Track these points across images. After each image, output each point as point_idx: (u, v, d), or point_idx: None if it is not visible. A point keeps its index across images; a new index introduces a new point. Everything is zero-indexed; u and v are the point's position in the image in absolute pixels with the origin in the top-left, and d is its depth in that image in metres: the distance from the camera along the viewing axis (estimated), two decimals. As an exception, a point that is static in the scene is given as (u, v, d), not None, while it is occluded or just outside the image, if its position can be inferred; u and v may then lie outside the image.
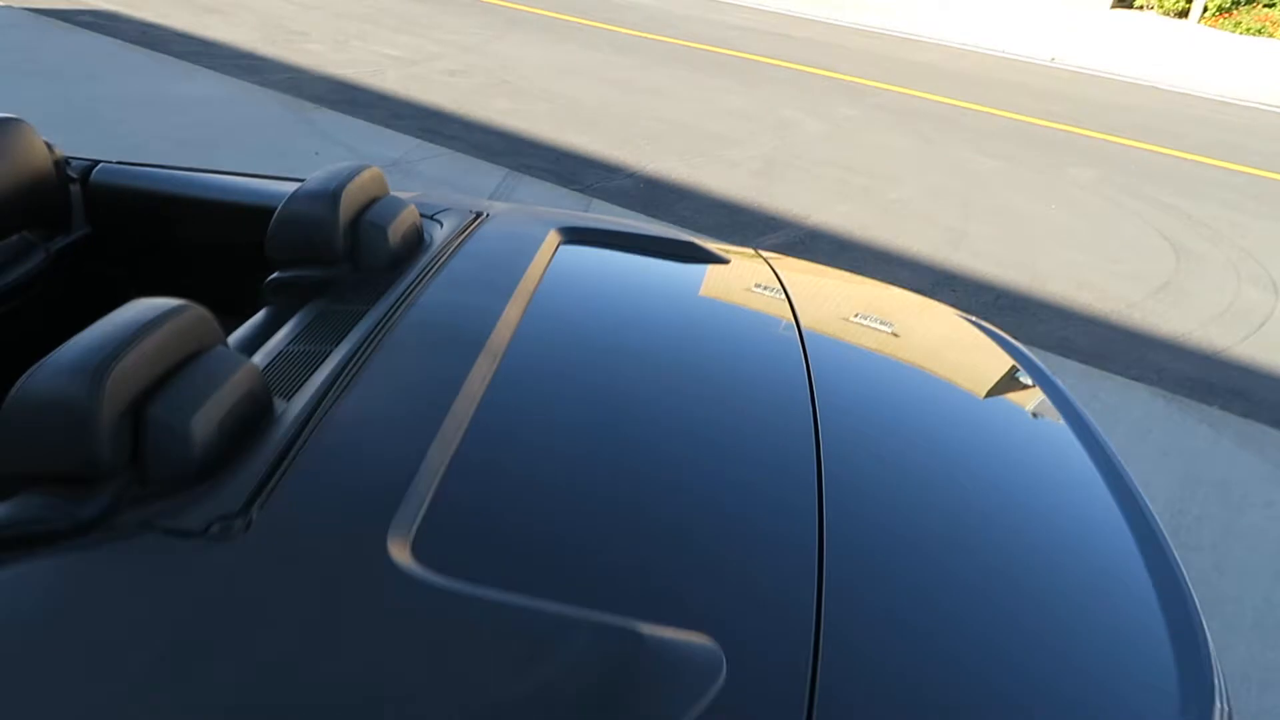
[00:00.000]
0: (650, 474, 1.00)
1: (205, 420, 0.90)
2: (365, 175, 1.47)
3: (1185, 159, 7.25)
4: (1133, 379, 3.62)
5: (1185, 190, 6.33)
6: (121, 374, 0.87)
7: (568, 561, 0.86)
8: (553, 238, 1.53)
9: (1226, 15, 16.83)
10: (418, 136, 5.48)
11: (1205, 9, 17.09)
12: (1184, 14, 17.59)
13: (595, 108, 6.71)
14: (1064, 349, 3.83)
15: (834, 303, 1.51)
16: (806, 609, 0.84)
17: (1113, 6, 18.41)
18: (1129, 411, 3.37)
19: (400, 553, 0.82)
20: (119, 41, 6.81)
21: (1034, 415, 1.29)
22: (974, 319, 1.59)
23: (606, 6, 11.13)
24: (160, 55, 6.60)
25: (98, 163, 1.90)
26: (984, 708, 0.80)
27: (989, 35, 12.52)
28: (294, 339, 1.18)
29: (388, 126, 5.63)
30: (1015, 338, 3.88)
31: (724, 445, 1.07)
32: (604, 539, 0.90)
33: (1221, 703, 0.87)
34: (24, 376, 0.87)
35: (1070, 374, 3.60)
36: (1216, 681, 0.89)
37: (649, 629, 0.77)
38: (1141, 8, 18.70)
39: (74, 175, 1.85)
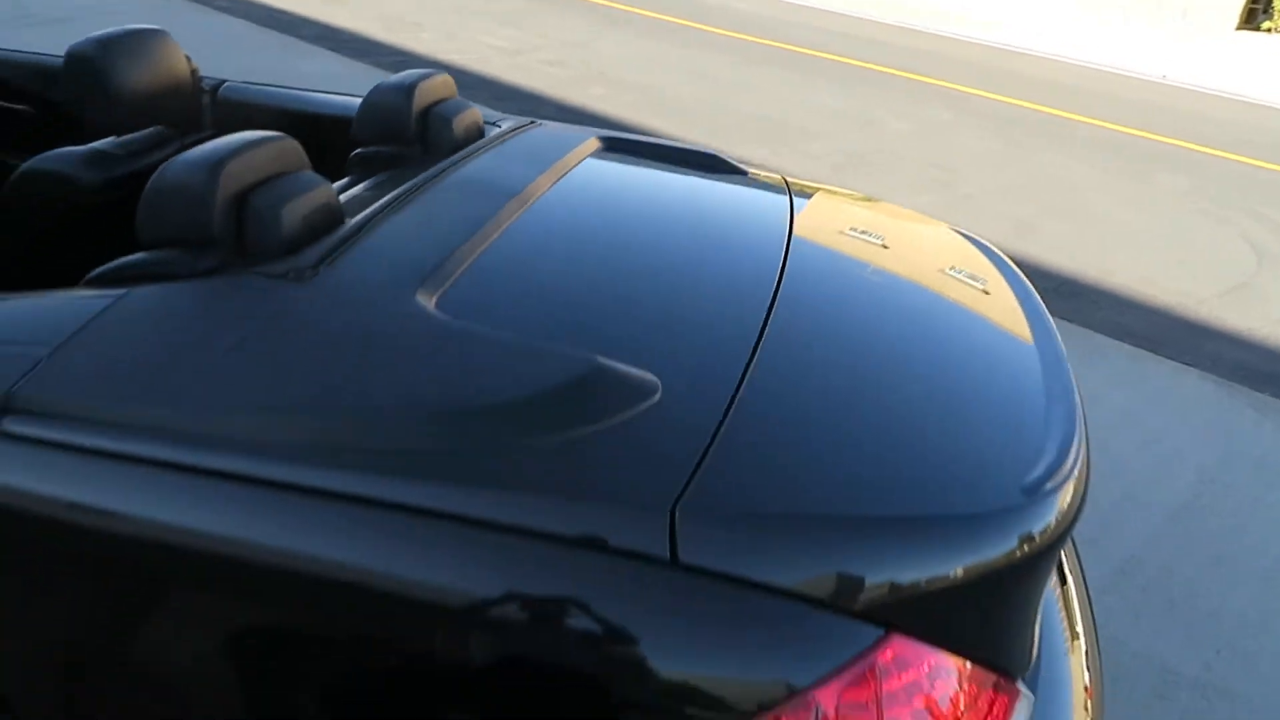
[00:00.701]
0: (632, 279, 1.24)
1: (291, 213, 1.17)
2: (438, 78, 1.75)
3: (1288, 174, 7.05)
4: (1186, 365, 3.66)
5: (1281, 202, 6.18)
6: (231, 170, 1.15)
7: (557, 321, 1.10)
8: (593, 141, 1.78)
9: (1363, 40, 15.99)
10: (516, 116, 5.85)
11: (1340, 33, 16.30)
12: (1316, 38, 16.81)
13: (685, 99, 6.96)
14: (1120, 333, 3.88)
15: (835, 208, 1.71)
16: (734, 372, 1.06)
17: (1237, 29, 17.72)
18: (1176, 392, 3.42)
19: (427, 301, 1.07)
20: (249, 23, 7.42)
21: (986, 294, 1.46)
22: (968, 233, 1.76)
23: (703, 9, 11.38)
24: (285, 36, 7.17)
25: (224, 81, 2.25)
26: (869, 440, 1.00)
27: (1099, 51, 12.28)
28: (366, 189, 1.46)
29: (490, 107, 6.00)
30: (1072, 321, 3.95)
31: (698, 269, 1.29)
32: (585, 313, 1.14)
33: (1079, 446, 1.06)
34: (160, 168, 1.16)
35: (1121, 356, 3.66)
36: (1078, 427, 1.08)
37: (605, 362, 1.00)
38: (1269, 30, 17.95)
39: (206, 89, 2.19)
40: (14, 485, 0.90)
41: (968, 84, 9.05)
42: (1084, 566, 2.39)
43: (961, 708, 0.95)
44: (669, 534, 0.86)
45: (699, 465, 0.91)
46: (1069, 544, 1.55)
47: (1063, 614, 1.33)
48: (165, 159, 1.99)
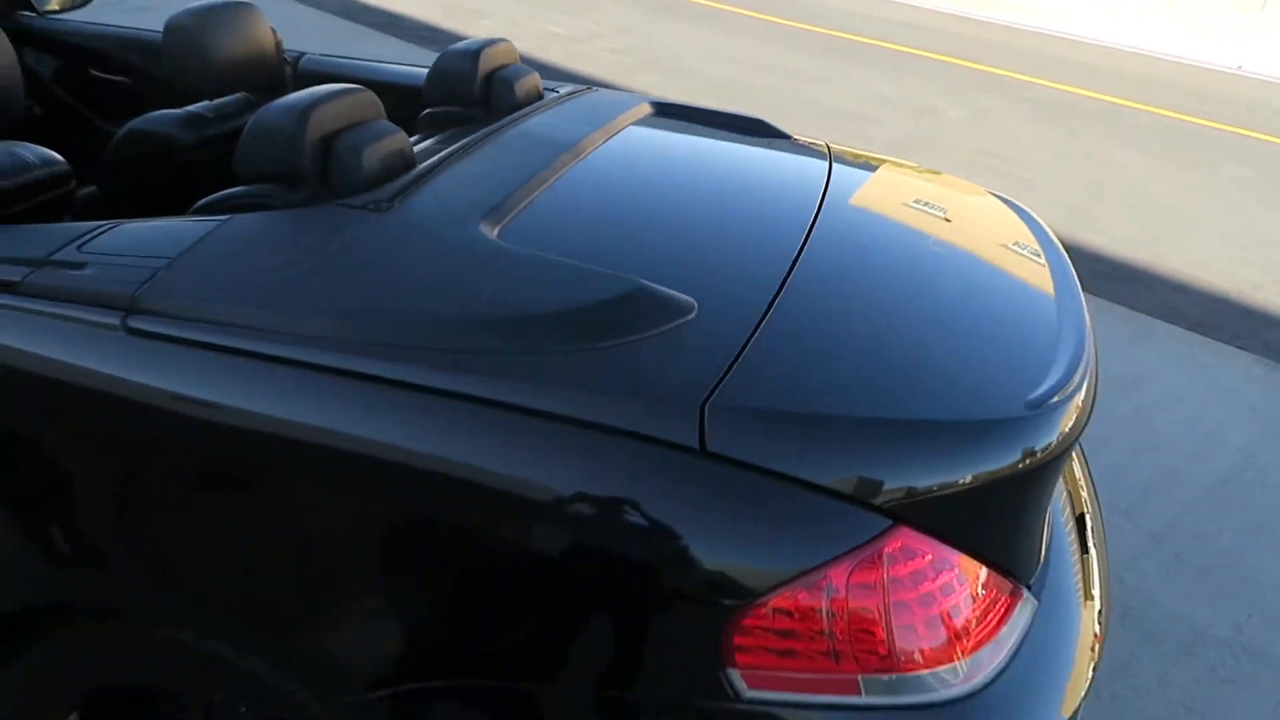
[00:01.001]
0: (676, 219, 1.35)
1: (370, 155, 1.31)
2: (501, 45, 1.87)
3: (1361, 165, 6.86)
4: (1238, 349, 3.64)
5: (1351, 193, 6.03)
6: (318, 116, 1.29)
7: (606, 252, 1.22)
8: (645, 105, 1.89)
9: None
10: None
11: None
12: (1403, 28, 16.15)
13: (737, 85, 7.04)
14: (1173, 317, 3.87)
15: (872, 168, 1.80)
16: (764, 298, 1.16)
17: (1319, 19, 17.08)
18: (1225, 374, 3.42)
19: (490, 231, 1.20)
20: (318, 10, 7.69)
21: (1016, 251, 1.53)
22: (1005, 197, 1.83)
23: (775, 0, 11.40)
24: (353, 24, 7.42)
25: (304, 53, 2.41)
26: (885, 358, 1.10)
27: (1170, 42, 12.00)
28: (434, 144, 1.59)
29: (546, 91, 6.15)
30: (1124, 304, 3.94)
31: (737, 212, 1.40)
32: (631, 246, 1.25)
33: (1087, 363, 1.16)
34: (257, 113, 1.30)
35: (1172, 338, 3.66)
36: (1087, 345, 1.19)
37: (648, 284, 1.11)
38: (1354, 21, 17.26)
39: (288, 60, 2.36)
40: (136, 376, 1.05)
41: (1024, 73, 8.95)
42: (1118, 534, 2.44)
43: (962, 599, 1.04)
44: (699, 427, 0.97)
45: (727, 371, 1.02)
46: (1097, 521, 1.61)
47: (1079, 576, 1.39)
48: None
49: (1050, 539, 1.29)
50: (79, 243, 1.16)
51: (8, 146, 1.55)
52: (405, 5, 8.46)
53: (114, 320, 1.07)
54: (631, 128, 1.72)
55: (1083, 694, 1.18)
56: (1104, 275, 4.25)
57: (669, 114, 1.92)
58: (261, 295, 1.08)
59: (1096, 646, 1.33)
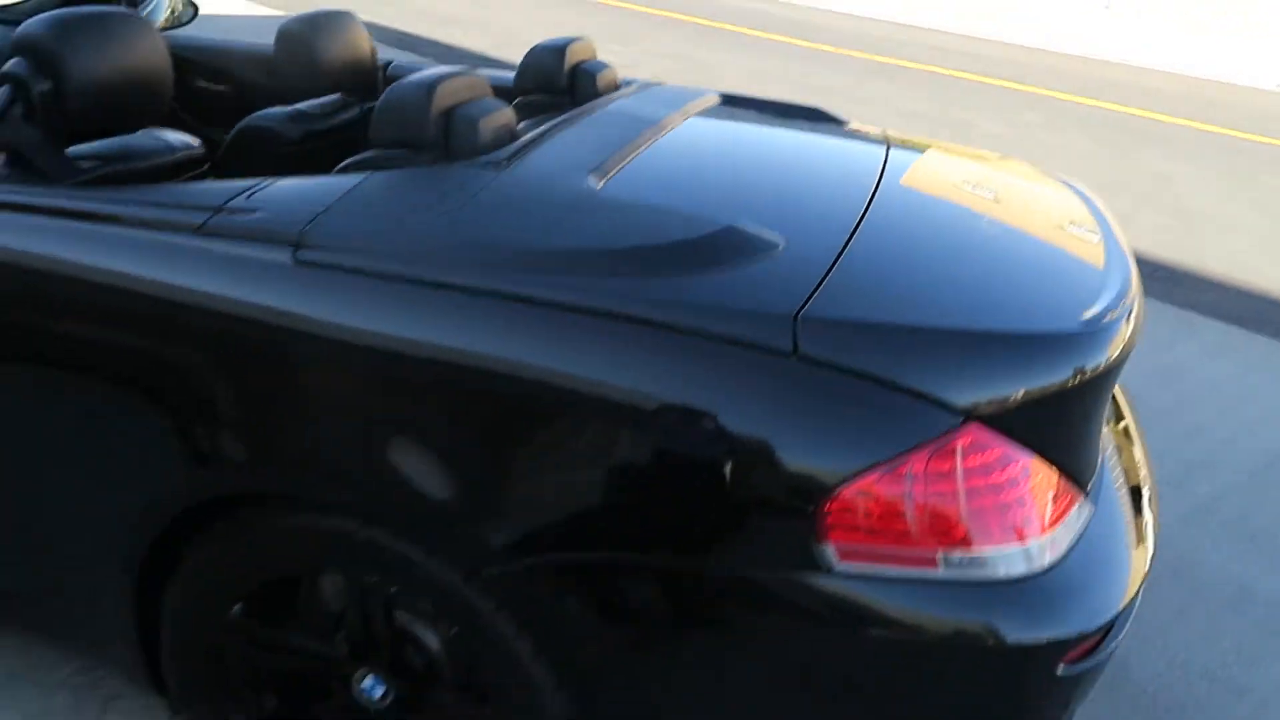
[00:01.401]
0: (759, 176, 1.52)
1: (484, 126, 1.49)
2: (584, 42, 2.06)
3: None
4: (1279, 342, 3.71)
5: (1395, 200, 6.05)
6: (441, 91, 1.48)
7: (699, 201, 1.39)
8: (714, 95, 2.06)
9: None
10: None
11: None
12: None
13: (782, 106, 7.22)
14: (1213, 312, 3.95)
15: (927, 144, 1.95)
16: (842, 237, 1.32)
17: (1362, 37, 16.96)
18: (1265, 365, 3.49)
19: (596, 184, 1.37)
20: (379, 44, 8.03)
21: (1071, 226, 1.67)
22: (1065, 179, 1.97)
23: (812, 28, 11.64)
24: (409, 55, 7.74)
25: (391, 60, 2.63)
26: (952, 282, 1.25)
27: (1209, 61, 12.04)
28: (527, 126, 1.78)
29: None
30: (1165, 301, 4.02)
31: (811, 170, 1.57)
32: (721, 197, 1.42)
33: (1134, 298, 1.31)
34: (389, 89, 1.49)
35: (1212, 331, 3.75)
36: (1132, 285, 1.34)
37: (739, 224, 1.27)
38: (1397, 39, 17.10)
39: (379, 65, 2.57)
40: (305, 300, 1.23)
41: (1064, 91, 9.05)
42: (1166, 505, 2.53)
43: (1026, 491, 1.17)
44: (792, 334, 1.12)
45: (815, 290, 1.18)
46: (1153, 494, 1.69)
47: (1132, 530, 1.49)
48: (347, 122, 2.36)
49: (1103, 460, 1.41)
50: (247, 193, 1.35)
51: (152, 131, 1.76)
52: (458, 38, 8.81)
53: (285, 255, 1.25)
54: (706, 111, 1.89)
55: (1138, 586, 1.31)
56: (1146, 276, 4.34)
57: (736, 103, 2.09)
58: (409, 232, 1.25)
59: (1144, 578, 1.45)
